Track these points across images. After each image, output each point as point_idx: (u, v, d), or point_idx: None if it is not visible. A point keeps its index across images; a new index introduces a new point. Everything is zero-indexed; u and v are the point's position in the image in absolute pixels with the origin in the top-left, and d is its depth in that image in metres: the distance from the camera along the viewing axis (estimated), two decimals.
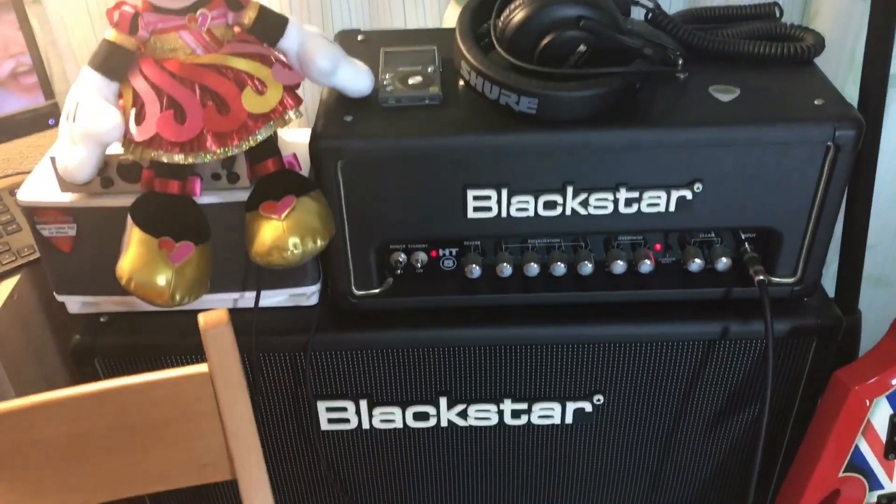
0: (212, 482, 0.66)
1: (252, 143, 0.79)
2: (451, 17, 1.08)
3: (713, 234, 0.89)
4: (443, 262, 0.91)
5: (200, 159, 0.77)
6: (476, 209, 0.84)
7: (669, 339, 0.91)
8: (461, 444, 1.01)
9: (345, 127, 0.82)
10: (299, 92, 0.81)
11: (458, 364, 0.94)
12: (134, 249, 0.77)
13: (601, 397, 0.97)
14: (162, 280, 0.76)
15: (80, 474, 0.63)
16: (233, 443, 0.64)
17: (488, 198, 0.83)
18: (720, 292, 0.90)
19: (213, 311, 0.64)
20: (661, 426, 0.99)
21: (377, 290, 0.91)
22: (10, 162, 1.21)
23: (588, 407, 0.98)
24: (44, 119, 1.12)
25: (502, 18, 0.82)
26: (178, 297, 0.77)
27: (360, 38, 0.98)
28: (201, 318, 0.64)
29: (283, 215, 0.78)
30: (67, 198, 0.85)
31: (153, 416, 0.64)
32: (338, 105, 0.85)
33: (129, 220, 0.79)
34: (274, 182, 0.82)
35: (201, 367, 0.64)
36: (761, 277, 0.85)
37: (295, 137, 0.94)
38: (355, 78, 0.83)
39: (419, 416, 0.99)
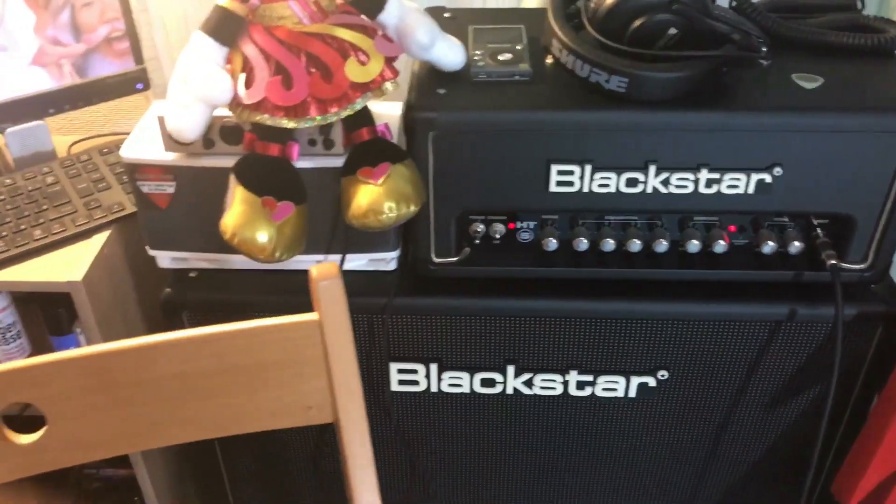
0: (314, 424, 0.71)
1: (350, 112, 0.83)
2: None
3: (786, 218, 0.92)
4: (520, 235, 0.95)
5: (303, 124, 0.82)
6: (559, 183, 0.88)
7: (738, 318, 0.95)
8: (525, 411, 1.06)
9: (438, 99, 0.86)
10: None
11: (528, 334, 0.99)
12: (238, 207, 0.82)
13: (666, 373, 1.01)
14: (264, 237, 0.81)
15: (193, 410, 0.69)
16: (337, 388, 0.69)
17: (571, 173, 0.87)
18: (790, 275, 0.93)
19: (325, 265, 0.68)
20: (722, 403, 1.03)
21: (455, 259, 0.95)
22: (95, 123, 1.27)
23: (652, 382, 1.02)
24: (132, 83, 1.18)
25: (594, 0, 0.86)
26: (277, 254, 0.82)
27: (446, 14, 1.02)
28: (314, 269, 0.69)
29: (380, 181, 0.83)
30: (169, 157, 0.91)
31: (263, 359, 0.69)
32: (430, 78, 0.89)
33: (233, 179, 0.84)
34: (369, 149, 0.86)
35: (311, 316, 0.69)
36: (834, 262, 0.89)
37: (379, 109, 0.99)
38: (450, 52, 0.88)
39: (486, 383, 1.03)
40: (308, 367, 0.69)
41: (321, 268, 0.69)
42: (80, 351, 0.65)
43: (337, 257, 0.96)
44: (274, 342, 0.68)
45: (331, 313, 0.68)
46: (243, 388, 0.69)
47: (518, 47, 0.92)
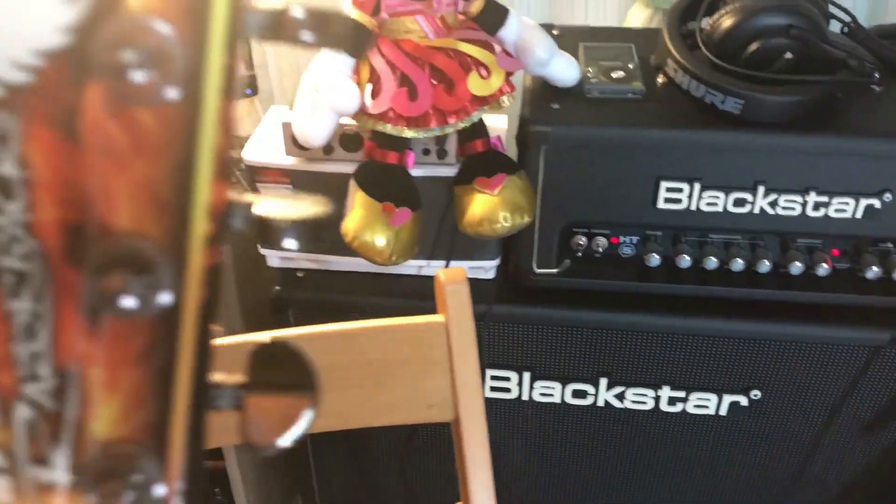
0: (433, 422, 0.74)
1: (467, 124, 0.87)
2: (634, 17, 1.15)
3: (890, 244, 0.93)
4: (622, 249, 0.97)
5: (423, 134, 0.86)
6: (667, 200, 0.91)
7: (837, 342, 0.96)
8: (614, 424, 1.08)
9: (553, 114, 0.89)
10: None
11: (623, 347, 1.01)
12: (358, 211, 0.86)
13: (758, 392, 1.02)
14: (382, 241, 0.85)
15: (324, 402, 0.72)
16: (460, 388, 0.72)
17: (680, 190, 0.90)
18: (892, 301, 0.94)
19: (452, 269, 0.72)
20: (814, 426, 1.04)
21: (556, 270, 0.98)
22: None
23: (744, 401, 1.03)
24: (241, 88, 1.23)
25: (710, 22, 0.89)
26: (393, 258, 0.86)
27: (555, 31, 1.05)
28: (441, 274, 0.72)
29: (496, 191, 0.86)
30: (289, 161, 0.95)
31: (392, 356, 0.72)
32: (544, 93, 0.93)
33: (354, 184, 0.88)
34: (483, 160, 0.90)
35: (438, 317, 0.72)
36: None
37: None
38: (567, 69, 0.91)
39: (578, 394, 1.06)
40: (433, 366, 0.72)
41: (449, 272, 0.72)
42: (223, 341, 0.69)
43: (440, 263, 1.00)
44: (403, 340, 0.72)
45: (457, 316, 0.72)
46: (372, 382, 0.73)
47: (630, 66, 0.95)
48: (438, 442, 1.11)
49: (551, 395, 1.06)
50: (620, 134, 0.88)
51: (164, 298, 0.19)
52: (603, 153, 0.89)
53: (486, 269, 1.03)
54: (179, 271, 0.19)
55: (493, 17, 0.88)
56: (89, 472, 0.20)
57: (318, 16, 0.20)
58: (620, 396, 1.05)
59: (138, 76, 0.17)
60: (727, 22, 0.86)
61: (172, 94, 0.18)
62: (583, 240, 0.97)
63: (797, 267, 0.92)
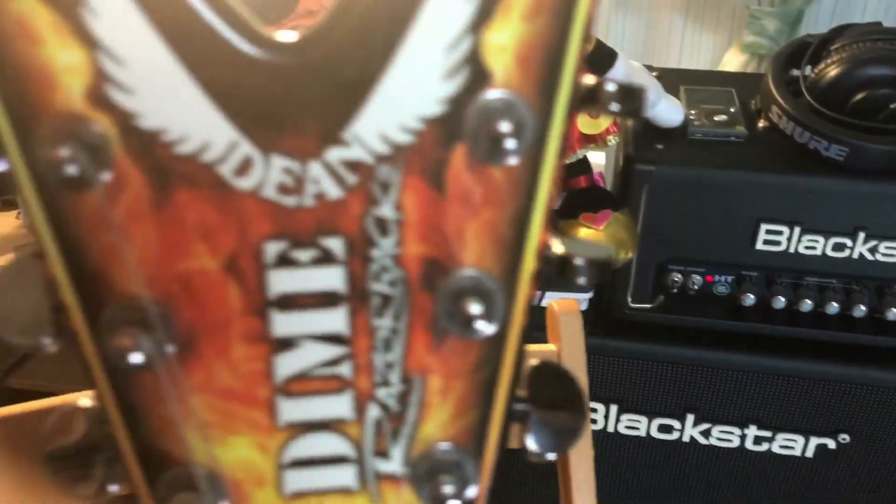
0: None
1: (573, 160, 0.91)
2: (730, 61, 1.18)
3: None
4: (716, 287, 1.00)
5: None
6: (766, 242, 0.93)
7: None
8: (698, 461, 1.10)
9: (657, 153, 0.93)
10: None
11: (712, 384, 1.03)
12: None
13: (847, 437, 1.03)
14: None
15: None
16: None
17: (780, 233, 0.93)
18: None
19: (565, 300, 0.75)
20: None
21: (650, 305, 1.01)
22: None
23: (832, 444, 1.04)
24: None
25: (815, 70, 0.92)
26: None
27: (654, 73, 1.09)
28: (553, 304, 0.76)
29: (602, 226, 0.90)
30: None
31: None
32: (647, 133, 0.96)
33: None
34: (587, 196, 0.94)
35: (550, 347, 0.76)
36: None
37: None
38: (672, 111, 0.95)
39: (664, 428, 1.08)
40: None
41: (562, 303, 0.76)
42: None
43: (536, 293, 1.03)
44: None
45: (569, 346, 0.75)
46: None
47: (731, 109, 0.98)
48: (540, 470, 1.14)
49: (637, 428, 1.09)
50: (723, 176, 0.91)
51: (494, 324, 0.23)
52: (705, 193, 0.92)
53: (580, 301, 1.06)
54: (510, 300, 0.23)
55: (602, 60, 0.92)
56: (420, 467, 0.24)
57: (625, 90, 0.24)
58: (706, 433, 1.07)
59: (508, 143, 0.22)
60: (833, 71, 0.89)
61: (522, 156, 0.22)
62: (678, 277, 1.00)
63: (894, 313, 0.94)
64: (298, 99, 0.22)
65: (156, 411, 0.23)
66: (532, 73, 0.22)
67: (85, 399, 0.25)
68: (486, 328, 0.23)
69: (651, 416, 1.07)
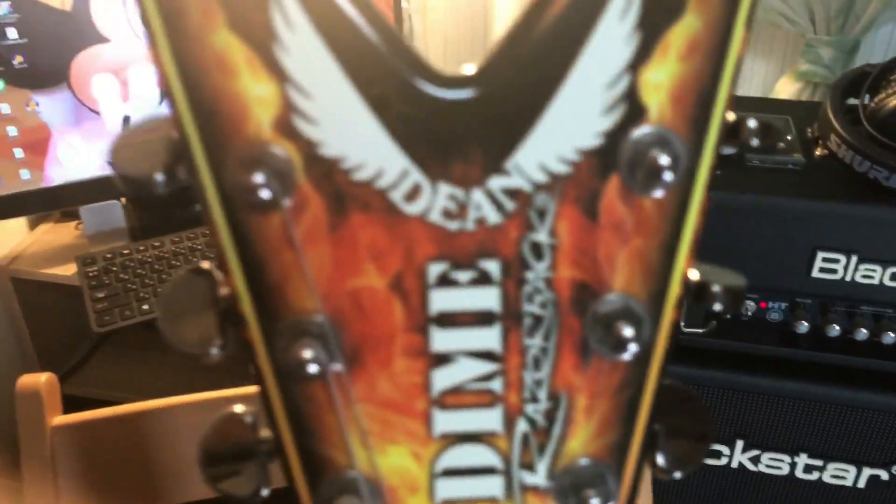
0: None
1: None
2: (783, 89, 1.19)
3: None
4: (769, 314, 1.00)
5: None
6: (822, 270, 0.94)
7: None
8: (746, 487, 1.09)
9: (715, 180, 0.94)
10: None
11: (762, 411, 1.03)
12: None
13: None
14: None
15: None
16: None
17: (837, 261, 0.93)
18: None
19: None
20: None
21: (702, 330, 1.02)
22: None
23: (884, 475, 1.04)
24: None
25: (875, 100, 0.92)
26: None
27: None
28: None
29: None
30: None
31: None
32: None
33: None
34: None
35: None
36: None
37: None
38: None
39: (712, 454, 1.08)
40: None
41: None
42: None
43: None
44: None
45: None
46: None
47: (788, 137, 0.99)
48: None
49: None
50: (781, 203, 0.91)
51: (641, 347, 0.24)
52: (762, 220, 0.92)
53: None
54: (656, 325, 0.25)
55: None
56: (562, 481, 0.25)
57: (764, 126, 0.25)
58: (755, 459, 1.07)
59: (665, 175, 0.23)
60: (894, 101, 0.90)
61: (673, 188, 0.24)
62: None
63: None
64: (468, 132, 0.23)
65: (321, 419, 0.24)
66: (685, 109, 0.23)
67: (239, 406, 0.27)
68: (633, 351, 0.24)
69: None
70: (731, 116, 0.25)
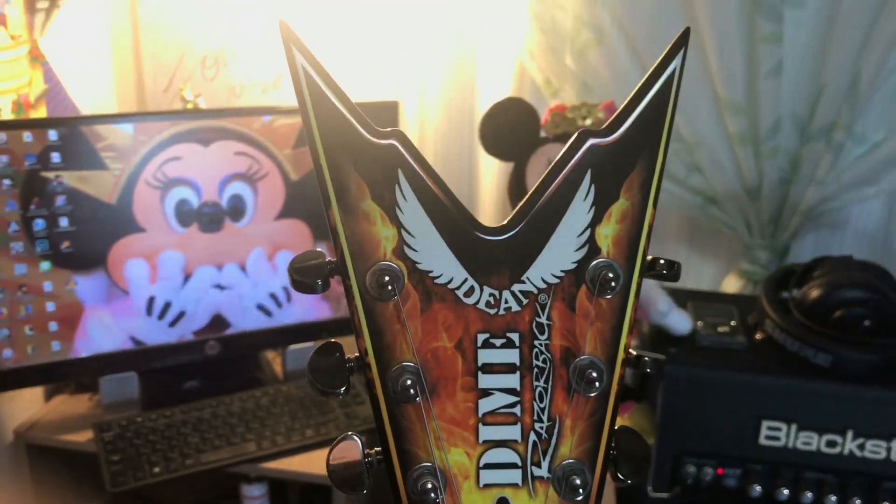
0: None
1: None
2: (729, 285, 1.43)
3: None
4: (726, 480, 1.17)
5: None
6: (768, 437, 1.12)
7: None
8: None
9: (671, 356, 1.14)
10: None
11: None
12: None
13: None
14: None
15: None
16: None
17: (779, 429, 1.11)
18: None
19: None
20: None
21: (667, 495, 1.17)
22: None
23: None
24: None
25: (801, 292, 1.15)
26: None
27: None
28: None
29: (626, 416, 1.09)
30: None
31: None
32: (658, 339, 1.18)
33: None
34: None
35: None
36: None
37: None
38: (681, 321, 1.17)
39: None
40: None
41: None
42: None
43: None
44: None
45: None
46: None
47: (733, 322, 1.20)
48: None
49: None
50: (729, 377, 1.11)
51: (602, 388, 0.43)
52: (713, 392, 1.12)
53: None
54: (611, 374, 0.43)
55: None
56: (558, 473, 0.42)
57: (671, 263, 0.46)
58: None
59: (611, 285, 0.43)
60: (814, 293, 1.13)
61: (617, 293, 0.43)
62: (692, 468, 1.17)
63: None
64: (501, 258, 0.43)
65: (412, 429, 0.42)
66: (622, 250, 0.44)
67: (354, 434, 0.44)
68: (598, 389, 0.43)
69: None
70: (649, 257, 0.45)
